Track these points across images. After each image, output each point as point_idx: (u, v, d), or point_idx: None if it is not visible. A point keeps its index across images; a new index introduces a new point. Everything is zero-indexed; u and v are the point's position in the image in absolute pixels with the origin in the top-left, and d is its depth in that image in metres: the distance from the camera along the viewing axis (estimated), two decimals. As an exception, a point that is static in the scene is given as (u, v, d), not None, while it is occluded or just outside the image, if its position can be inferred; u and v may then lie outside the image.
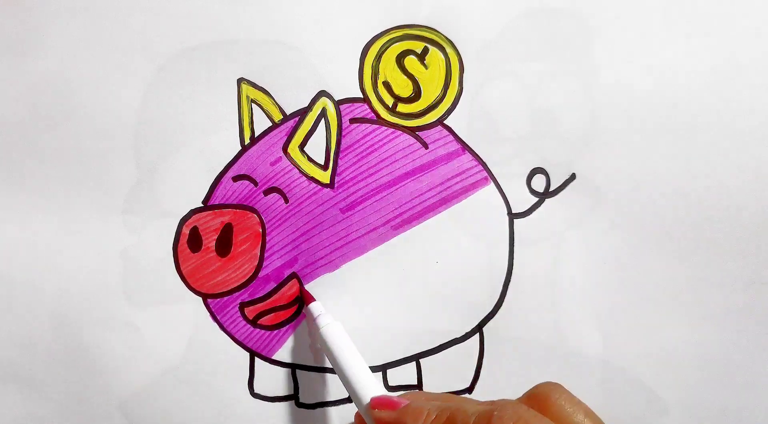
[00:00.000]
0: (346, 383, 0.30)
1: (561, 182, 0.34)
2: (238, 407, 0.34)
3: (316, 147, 0.34)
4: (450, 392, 0.34)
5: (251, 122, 0.34)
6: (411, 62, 0.34)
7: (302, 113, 0.34)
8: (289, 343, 0.34)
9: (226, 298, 0.34)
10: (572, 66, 0.33)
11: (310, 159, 0.34)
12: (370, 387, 0.30)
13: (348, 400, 0.35)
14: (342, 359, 0.31)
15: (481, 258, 0.34)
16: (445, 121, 0.34)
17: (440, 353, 0.34)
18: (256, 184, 0.34)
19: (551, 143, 0.34)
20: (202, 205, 0.34)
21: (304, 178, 0.34)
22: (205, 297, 0.34)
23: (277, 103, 0.34)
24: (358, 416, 0.31)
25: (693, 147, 0.33)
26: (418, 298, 0.34)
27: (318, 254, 0.34)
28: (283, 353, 0.34)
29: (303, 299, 0.34)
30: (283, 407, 0.34)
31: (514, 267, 0.34)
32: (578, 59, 0.33)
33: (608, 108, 0.33)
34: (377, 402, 0.29)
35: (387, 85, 0.34)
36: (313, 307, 0.33)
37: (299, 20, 0.34)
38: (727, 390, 0.34)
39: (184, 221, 0.34)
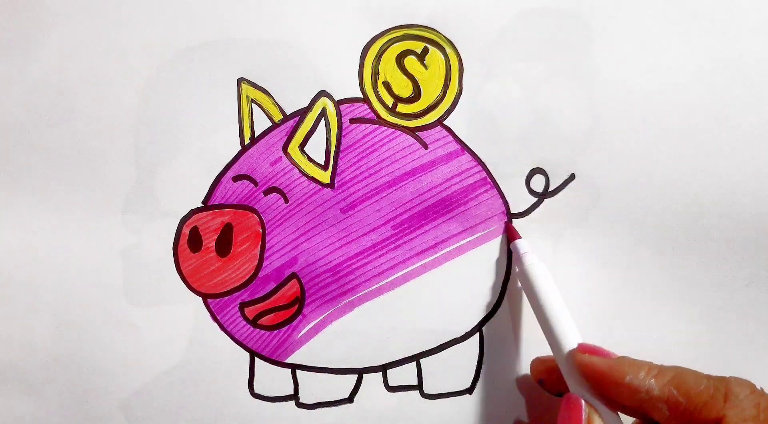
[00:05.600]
0: (547, 325, 0.30)
1: (560, 182, 0.34)
2: (238, 407, 0.34)
3: (316, 147, 0.34)
4: (450, 392, 0.34)
5: (251, 122, 0.34)
6: (411, 62, 0.34)
7: (302, 113, 0.34)
8: (289, 343, 0.34)
9: (226, 298, 0.34)
10: (572, 66, 0.33)
11: (310, 159, 0.34)
12: (575, 333, 0.29)
13: (348, 400, 0.35)
14: (545, 301, 0.30)
15: (481, 258, 0.34)
16: (444, 122, 0.34)
17: (440, 353, 0.34)
18: (256, 184, 0.34)
19: (551, 143, 0.34)
20: (202, 205, 0.34)
21: (304, 178, 0.34)
22: (205, 297, 0.34)
23: (277, 103, 0.34)
24: (539, 362, 0.31)
25: (693, 147, 0.33)
26: (418, 298, 0.34)
27: (318, 254, 0.34)
28: (284, 354, 0.34)
29: (509, 236, 0.33)
30: (283, 407, 0.34)
31: (513, 267, 0.34)
32: (578, 59, 0.33)
33: (608, 108, 0.33)
34: (587, 348, 0.28)
35: (387, 85, 0.34)
36: (519, 244, 0.33)
37: (299, 20, 0.34)
38: (726, 390, 0.34)
39: (184, 221, 0.34)
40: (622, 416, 0.28)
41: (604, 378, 0.27)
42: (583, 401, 0.27)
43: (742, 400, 0.24)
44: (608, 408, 0.27)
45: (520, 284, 0.33)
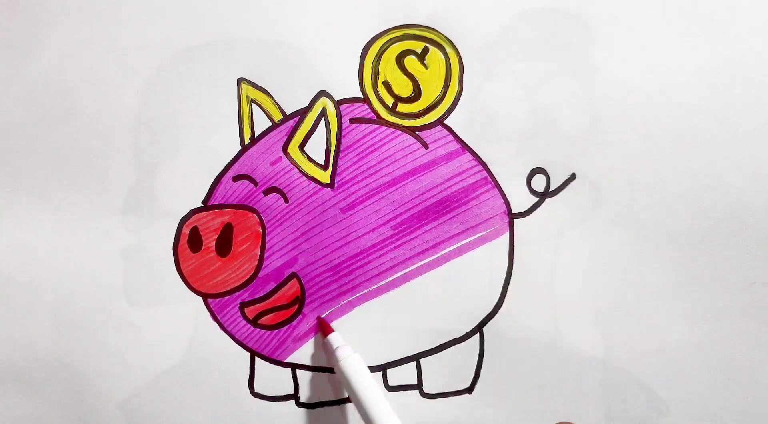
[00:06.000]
0: (366, 417, 0.31)
1: (561, 182, 0.34)
2: (238, 407, 0.34)
3: (316, 147, 0.34)
4: (450, 392, 0.34)
5: (251, 122, 0.34)
6: (411, 62, 0.34)
7: (302, 113, 0.34)
8: (289, 343, 0.34)
9: (226, 298, 0.34)
10: (572, 66, 0.33)
11: (310, 159, 0.34)
12: (395, 422, 0.30)
13: (348, 400, 0.35)
14: (362, 394, 0.31)
15: (481, 258, 0.34)
16: (445, 121, 0.34)
17: (440, 353, 0.34)
18: (256, 184, 0.34)
19: (551, 143, 0.34)
20: (202, 205, 0.34)
21: (304, 178, 0.34)
22: (205, 297, 0.34)
23: (277, 103, 0.34)
24: None
25: (693, 147, 0.33)
26: (418, 298, 0.34)
27: (318, 254, 0.34)
28: (284, 353, 0.34)
29: (322, 331, 0.34)
30: (283, 406, 0.34)
31: (514, 267, 0.34)
32: (578, 59, 0.33)
33: (608, 108, 0.33)
34: None
35: (387, 85, 0.34)
36: (332, 338, 0.33)
37: (299, 20, 0.34)
38: (727, 390, 0.34)
39: (184, 221, 0.34)
40: None
41: None
42: None
43: None
44: None
45: (338, 376, 0.33)
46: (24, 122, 0.34)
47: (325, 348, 0.34)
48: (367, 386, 0.31)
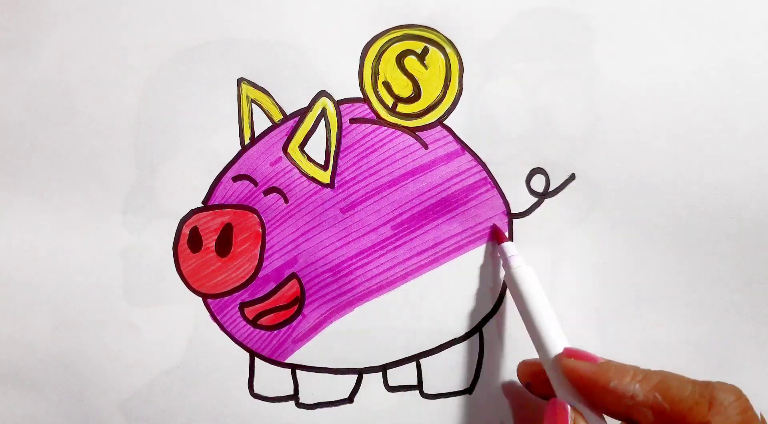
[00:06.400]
0: (533, 329, 0.30)
1: (561, 182, 0.34)
2: (238, 407, 0.34)
3: (316, 147, 0.34)
4: (450, 392, 0.34)
5: (251, 122, 0.34)
6: (411, 62, 0.34)
7: (302, 113, 0.34)
8: (289, 343, 0.34)
9: (226, 298, 0.34)
10: (572, 66, 0.33)
11: (310, 159, 0.34)
12: (561, 337, 0.29)
13: (348, 400, 0.35)
14: (532, 305, 0.30)
15: (481, 258, 0.34)
16: (445, 122, 0.34)
17: (440, 353, 0.34)
18: (256, 184, 0.34)
19: (551, 143, 0.34)
20: (202, 205, 0.34)
21: (304, 178, 0.34)
22: (205, 297, 0.34)
23: (277, 103, 0.34)
24: (526, 366, 0.31)
25: (693, 147, 0.33)
26: (418, 298, 0.34)
27: (318, 254, 0.34)
28: (284, 354, 0.34)
29: (497, 238, 0.33)
30: (283, 407, 0.34)
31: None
32: (578, 59, 0.33)
33: (608, 108, 0.33)
34: (573, 352, 0.28)
35: (387, 85, 0.34)
36: (506, 246, 0.32)
37: (299, 20, 0.34)
38: (727, 390, 0.34)
39: (184, 221, 0.34)
40: (608, 419, 0.28)
41: (589, 383, 0.27)
42: (568, 406, 0.27)
43: (726, 406, 0.24)
44: (593, 412, 0.27)
45: (509, 289, 0.33)
46: (24, 122, 0.34)
47: (495, 255, 0.33)
48: (537, 297, 0.30)
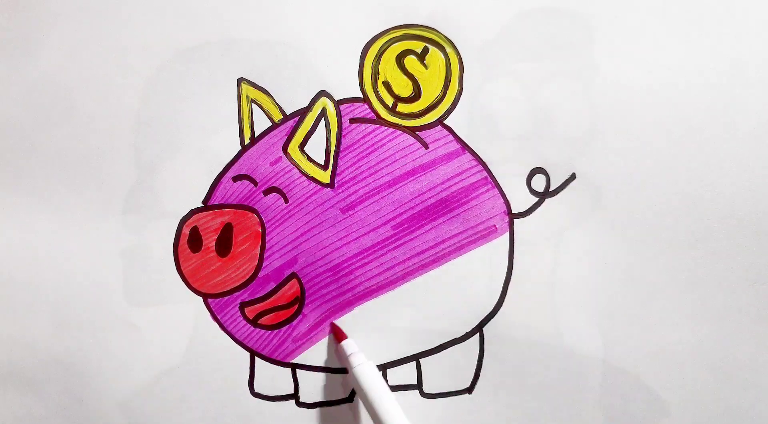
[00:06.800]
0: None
1: (561, 182, 0.34)
2: (238, 407, 0.34)
3: (316, 147, 0.34)
4: (450, 392, 0.34)
5: (251, 122, 0.34)
6: (411, 62, 0.34)
7: (302, 113, 0.34)
8: (289, 343, 0.34)
9: (226, 298, 0.34)
10: (572, 66, 0.33)
11: (310, 159, 0.34)
12: None
13: (348, 400, 0.35)
14: (375, 402, 0.31)
15: (481, 258, 0.34)
16: (445, 121, 0.34)
17: (440, 353, 0.34)
18: (256, 184, 0.34)
19: (551, 143, 0.34)
20: (202, 205, 0.34)
21: (304, 178, 0.34)
22: (205, 297, 0.34)
23: (277, 103, 0.34)
24: None
25: (693, 147, 0.33)
26: (418, 298, 0.34)
27: (318, 254, 0.34)
28: (284, 353, 0.34)
29: (336, 336, 0.34)
30: (283, 406, 0.34)
31: (514, 267, 0.34)
32: (578, 59, 0.33)
33: (608, 108, 0.33)
34: None
35: (387, 85, 0.34)
36: (346, 345, 0.33)
37: (299, 20, 0.34)
38: (727, 390, 0.34)
39: (184, 221, 0.34)
40: None
41: None
42: None
43: None
44: None
45: (351, 384, 0.33)
46: (24, 122, 0.34)
47: (338, 354, 0.34)
48: (381, 394, 0.31)
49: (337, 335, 0.34)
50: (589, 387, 0.34)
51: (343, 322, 0.34)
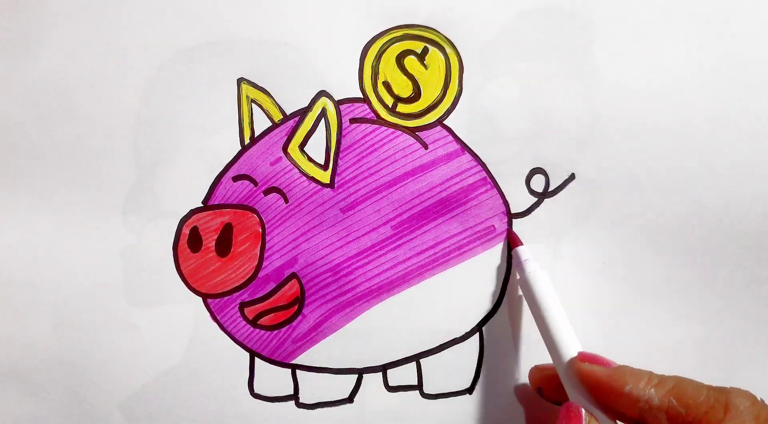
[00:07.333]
0: (547, 333, 0.30)
1: (560, 182, 0.34)
2: (238, 407, 0.34)
3: (316, 147, 0.34)
4: (450, 392, 0.34)
5: (251, 122, 0.34)
6: (411, 62, 0.34)
7: (302, 113, 0.34)
8: (289, 343, 0.34)
9: (226, 298, 0.34)
10: (572, 66, 0.33)
11: (310, 159, 0.34)
12: (575, 341, 0.29)
13: (348, 400, 0.35)
14: (546, 309, 0.30)
15: (480, 258, 0.34)
16: (444, 121, 0.34)
17: (440, 353, 0.34)
18: (256, 184, 0.34)
19: (551, 143, 0.34)
20: (202, 205, 0.34)
21: (304, 178, 0.34)
22: (205, 297, 0.34)
23: (277, 103, 0.34)
24: (537, 371, 0.31)
25: (693, 147, 0.33)
26: (418, 298, 0.34)
27: (318, 254, 0.34)
28: (283, 354, 0.34)
29: (510, 242, 0.33)
30: (283, 407, 0.34)
31: (514, 273, 0.34)
32: (578, 59, 0.33)
33: (608, 108, 0.33)
34: (588, 356, 0.28)
35: (387, 85, 0.34)
36: (521, 251, 0.33)
37: (299, 20, 0.34)
38: (726, 390, 0.34)
39: (184, 221, 0.34)
40: None
41: (604, 387, 0.27)
42: (583, 410, 0.27)
43: (742, 411, 0.24)
44: (608, 417, 0.27)
45: (521, 291, 0.33)
46: (24, 122, 0.34)
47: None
48: (551, 302, 0.30)
49: (513, 241, 0.33)
50: (589, 387, 0.34)
51: (343, 322, 0.34)
